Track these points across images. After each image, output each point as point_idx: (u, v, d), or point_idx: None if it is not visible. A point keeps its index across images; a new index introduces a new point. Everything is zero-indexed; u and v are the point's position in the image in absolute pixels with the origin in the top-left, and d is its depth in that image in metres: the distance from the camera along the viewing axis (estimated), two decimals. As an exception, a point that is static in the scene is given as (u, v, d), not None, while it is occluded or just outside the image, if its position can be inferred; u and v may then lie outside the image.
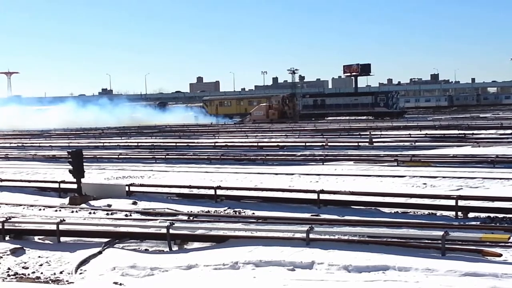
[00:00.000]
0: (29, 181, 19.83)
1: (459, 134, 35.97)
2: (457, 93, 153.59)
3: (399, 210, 13.54)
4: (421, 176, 18.08)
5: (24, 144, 41.86)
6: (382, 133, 40.13)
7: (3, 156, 31.67)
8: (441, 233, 9.40)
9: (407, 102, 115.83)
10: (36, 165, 27.18)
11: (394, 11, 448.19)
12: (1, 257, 10.49)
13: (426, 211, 13.29)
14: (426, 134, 36.78)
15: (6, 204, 16.00)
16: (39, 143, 42.86)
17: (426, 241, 9.69)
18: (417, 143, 30.61)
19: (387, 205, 13.76)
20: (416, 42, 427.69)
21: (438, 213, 13.14)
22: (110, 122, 77.24)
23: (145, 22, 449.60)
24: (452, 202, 12.96)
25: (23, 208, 15.50)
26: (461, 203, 12.90)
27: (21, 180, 20.21)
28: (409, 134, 36.46)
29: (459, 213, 12.73)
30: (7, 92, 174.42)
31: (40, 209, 15.30)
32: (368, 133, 36.28)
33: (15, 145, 42.01)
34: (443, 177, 17.75)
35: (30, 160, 29.64)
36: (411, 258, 8.94)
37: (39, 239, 11.76)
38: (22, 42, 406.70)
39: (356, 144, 30.78)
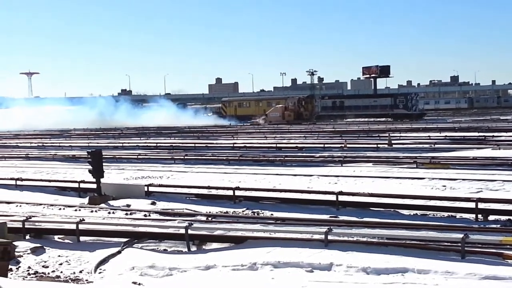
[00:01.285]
0: (49, 181, 20.00)
1: (479, 136, 35.58)
2: (477, 95, 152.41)
3: (418, 212, 13.47)
4: (440, 178, 17.96)
5: (45, 144, 42.22)
6: (401, 135, 39.90)
7: (24, 155, 31.96)
8: (460, 235, 9.34)
9: (426, 104, 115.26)
10: (56, 165, 27.38)
11: (414, 13, 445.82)
12: (22, 256, 10.57)
13: (446, 214, 13.20)
14: (446, 136, 36.49)
15: (27, 203, 16.15)
16: (59, 143, 43.21)
17: (446, 243, 9.63)
18: (436, 145, 30.39)
19: (406, 207, 13.69)
20: (436, 43, 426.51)
21: (458, 215, 13.04)
22: (79, 123, 73.36)
23: (165, 24, 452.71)
24: (472, 205, 12.86)
25: (43, 207, 15.63)
26: (481, 205, 12.80)
27: (41, 180, 20.37)
28: (429, 136, 36.17)
29: (479, 216, 12.62)
30: (28, 92, 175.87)
31: (60, 209, 15.42)
32: (387, 135, 36.08)
33: (36, 145, 42.39)
34: (463, 179, 17.61)
35: (50, 160, 29.82)
36: (430, 261, 8.89)
37: (59, 238, 11.86)
38: (43, 42, 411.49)
39: (375, 145, 30.65)
